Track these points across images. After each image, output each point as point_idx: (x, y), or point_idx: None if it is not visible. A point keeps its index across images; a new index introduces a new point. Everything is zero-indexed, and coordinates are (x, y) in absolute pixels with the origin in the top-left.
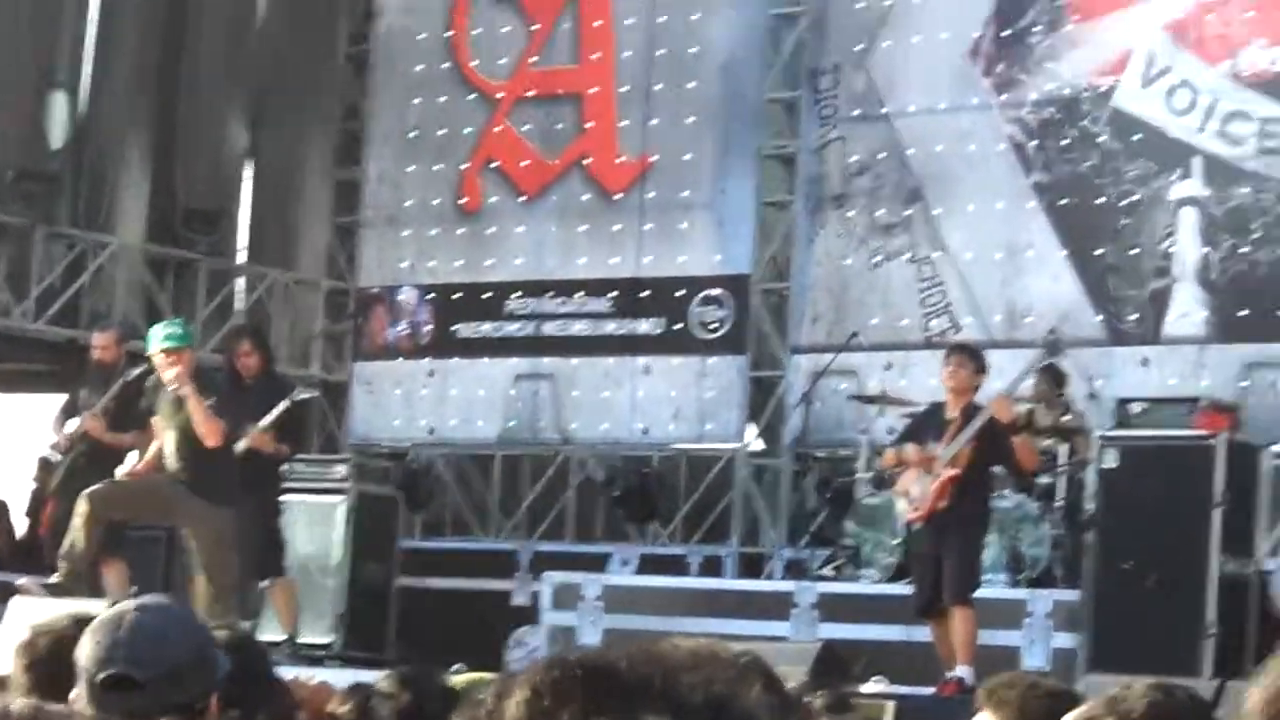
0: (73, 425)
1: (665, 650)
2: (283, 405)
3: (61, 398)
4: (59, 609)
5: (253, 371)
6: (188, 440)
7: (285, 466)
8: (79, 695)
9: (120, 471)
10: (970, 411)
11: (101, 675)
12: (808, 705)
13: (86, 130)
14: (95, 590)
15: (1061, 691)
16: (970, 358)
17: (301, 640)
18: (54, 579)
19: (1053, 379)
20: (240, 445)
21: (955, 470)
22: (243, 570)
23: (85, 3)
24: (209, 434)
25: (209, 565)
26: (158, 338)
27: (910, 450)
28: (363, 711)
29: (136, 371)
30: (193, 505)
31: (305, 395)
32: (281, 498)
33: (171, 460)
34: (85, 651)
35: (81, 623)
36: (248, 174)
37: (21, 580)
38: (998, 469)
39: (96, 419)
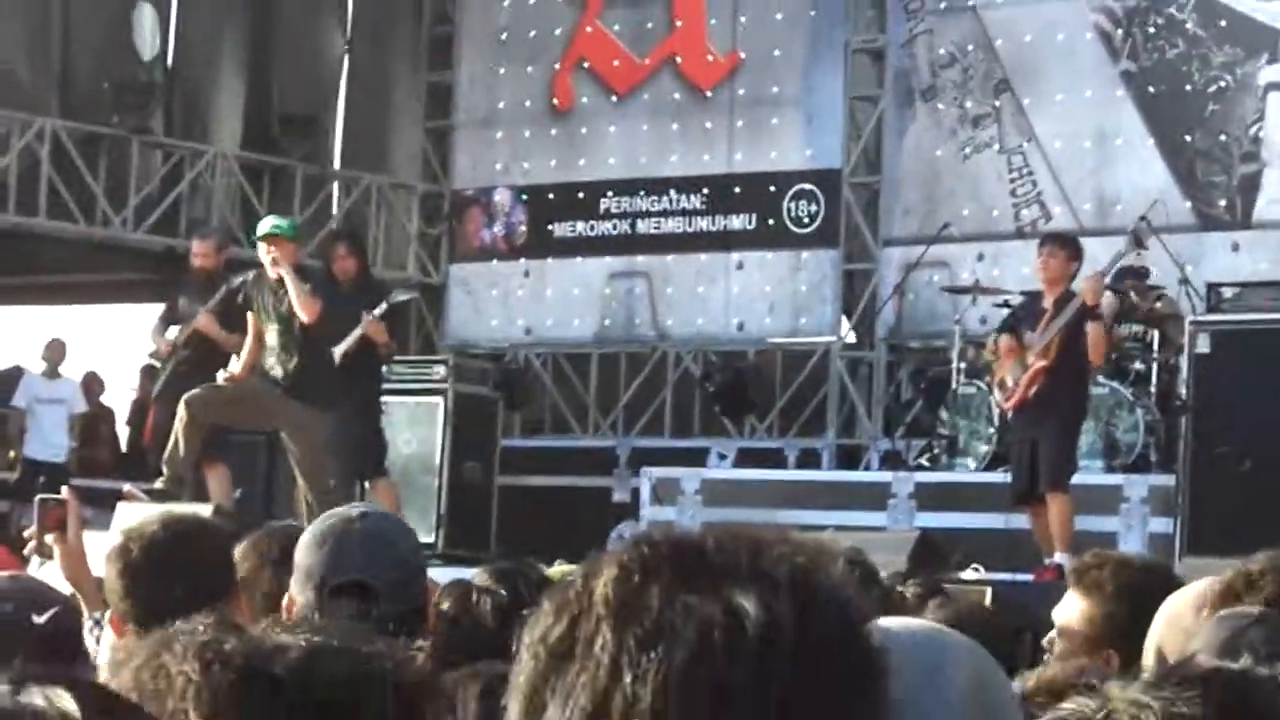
0: (173, 333)
1: (752, 531)
2: (389, 301)
3: (160, 306)
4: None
5: (350, 275)
6: (289, 335)
7: (385, 368)
8: (302, 602)
9: (220, 376)
10: (1064, 300)
11: (336, 581)
12: (900, 592)
13: (179, 41)
14: (199, 495)
15: (1154, 566)
16: (1061, 246)
17: None
18: (157, 484)
19: (1135, 273)
20: (352, 336)
21: (1044, 361)
22: (346, 470)
23: None
24: (307, 310)
25: (307, 469)
26: (265, 225)
27: (1005, 340)
28: (464, 607)
29: (238, 279)
30: (290, 409)
31: (405, 296)
32: (382, 398)
33: (272, 358)
34: (313, 559)
35: (169, 525)
36: (341, 80)
37: (127, 487)
38: None
39: (210, 316)
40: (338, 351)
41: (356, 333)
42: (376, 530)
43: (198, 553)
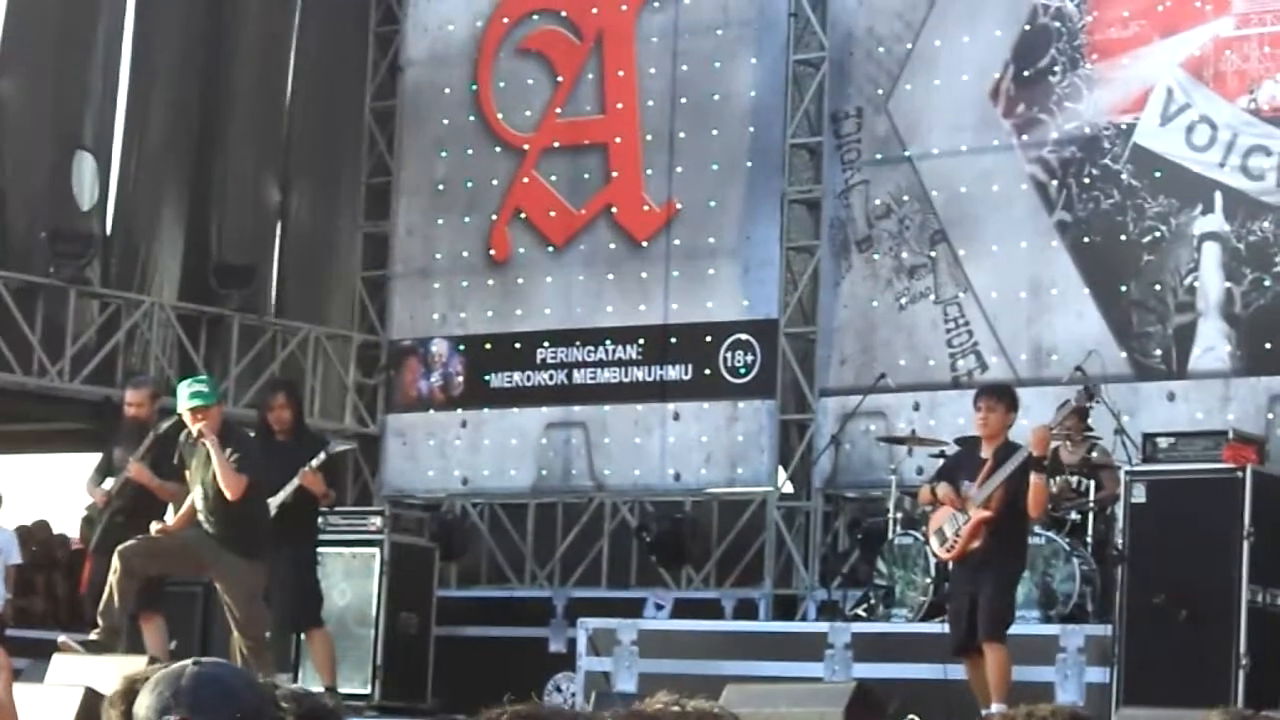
0: (109, 483)
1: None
2: (328, 451)
3: (97, 457)
4: (102, 665)
5: (286, 425)
6: (217, 494)
7: (321, 519)
8: None
9: (154, 528)
10: (1003, 452)
11: None
12: None
13: (119, 191)
14: (135, 646)
15: (1085, 718)
16: (999, 399)
17: (340, 691)
18: (92, 636)
19: (1078, 415)
20: (289, 488)
21: (988, 512)
22: (282, 620)
23: (113, 65)
24: (230, 487)
25: (241, 620)
26: (184, 396)
27: (944, 489)
28: None
29: (166, 425)
30: (223, 559)
31: (343, 448)
32: (319, 549)
33: (202, 514)
34: (144, 703)
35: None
36: (278, 230)
37: (62, 638)
38: None
39: (141, 465)
40: (274, 502)
41: (293, 484)
42: (208, 674)
43: None
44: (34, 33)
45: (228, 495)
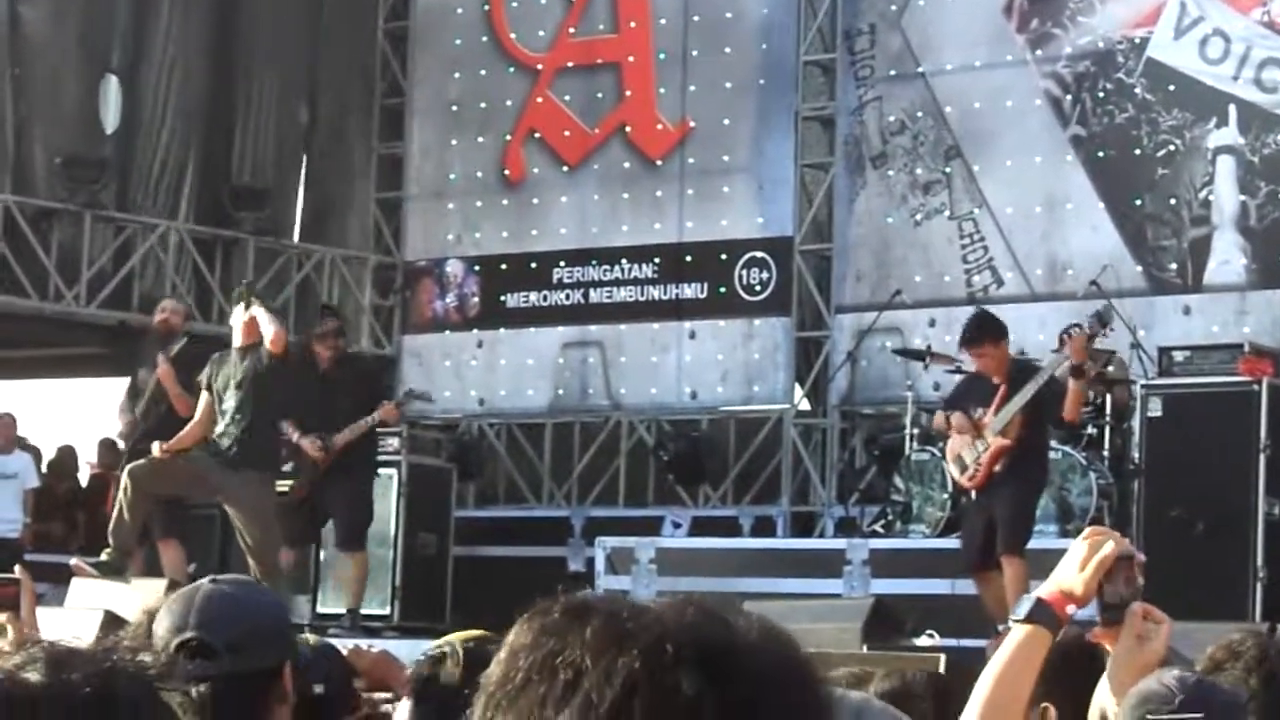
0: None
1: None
2: (411, 396)
3: (112, 381)
4: (122, 590)
5: (339, 355)
6: (246, 398)
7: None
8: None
9: (156, 448)
10: (1014, 375)
11: (176, 641)
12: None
13: (137, 115)
14: (154, 570)
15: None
16: (988, 340)
17: (361, 612)
18: (103, 556)
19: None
20: (370, 419)
21: (1007, 440)
22: (335, 538)
23: None
24: (276, 338)
25: (253, 543)
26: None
27: (958, 418)
28: (433, 672)
29: (178, 346)
30: (231, 481)
31: (422, 400)
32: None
33: (224, 423)
34: (161, 622)
35: None
36: (294, 153)
37: (73, 560)
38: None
39: (169, 366)
40: (339, 439)
41: (374, 417)
42: (222, 591)
43: None
44: None
45: (268, 337)
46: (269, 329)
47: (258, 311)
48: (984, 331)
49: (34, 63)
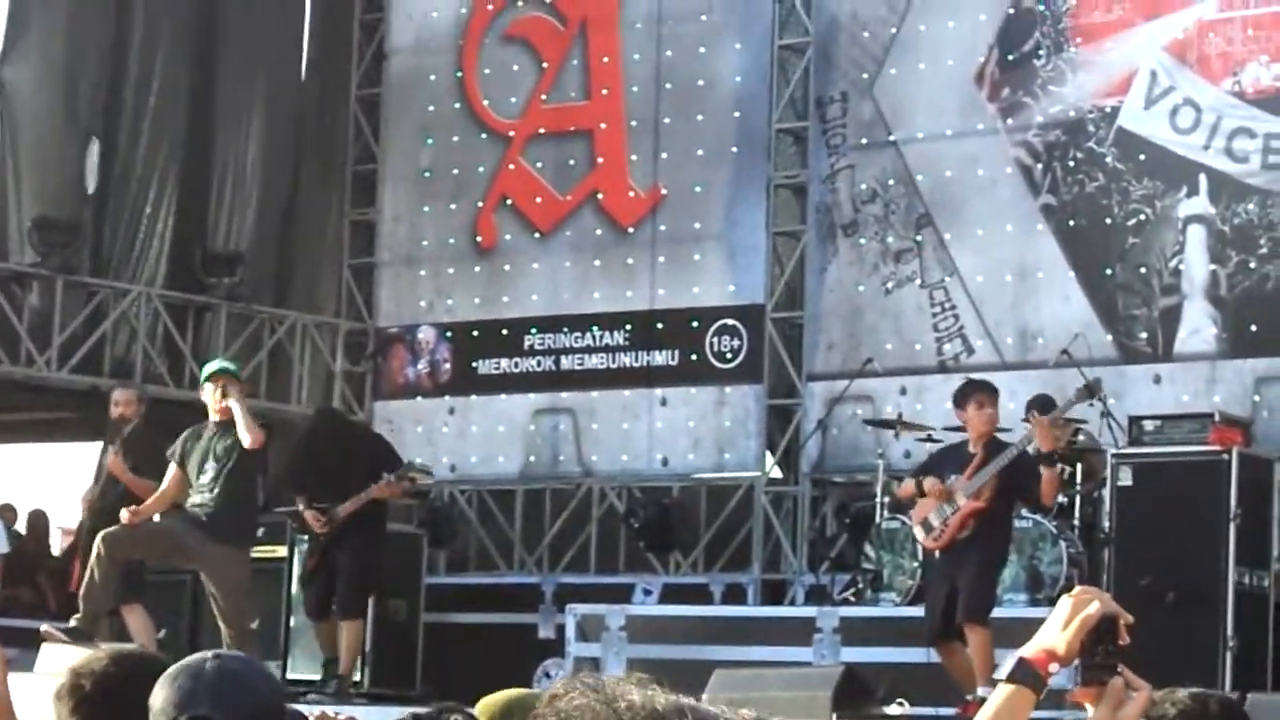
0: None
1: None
2: (409, 472)
3: (88, 446)
4: (86, 651)
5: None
6: (229, 469)
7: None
8: None
9: (124, 514)
10: (992, 446)
11: (185, 718)
12: None
13: (112, 177)
14: (121, 636)
15: None
16: (991, 396)
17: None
18: (73, 622)
19: (1042, 409)
20: (365, 494)
21: (979, 503)
22: (337, 605)
23: (123, 52)
24: (252, 435)
25: (227, 609)
26: (216, 363)
27: (930, 482)
28: None
29: (129, 428)
30: (208, 548)
31: (426, 476)
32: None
33: (199, 495)
34: (164, 697)
35: (120, 661)
36: (266, 218)
37: (44, 626)
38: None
39: (117, 458)
40: (342, 510)
41: (368, 492)
42: (229, 669)
43: (149, 689)
44: (42, 19)
45: (247, 441)
46: (246, 435)
47: (234, 406)
48: (977, 385)
49: (16, 124)
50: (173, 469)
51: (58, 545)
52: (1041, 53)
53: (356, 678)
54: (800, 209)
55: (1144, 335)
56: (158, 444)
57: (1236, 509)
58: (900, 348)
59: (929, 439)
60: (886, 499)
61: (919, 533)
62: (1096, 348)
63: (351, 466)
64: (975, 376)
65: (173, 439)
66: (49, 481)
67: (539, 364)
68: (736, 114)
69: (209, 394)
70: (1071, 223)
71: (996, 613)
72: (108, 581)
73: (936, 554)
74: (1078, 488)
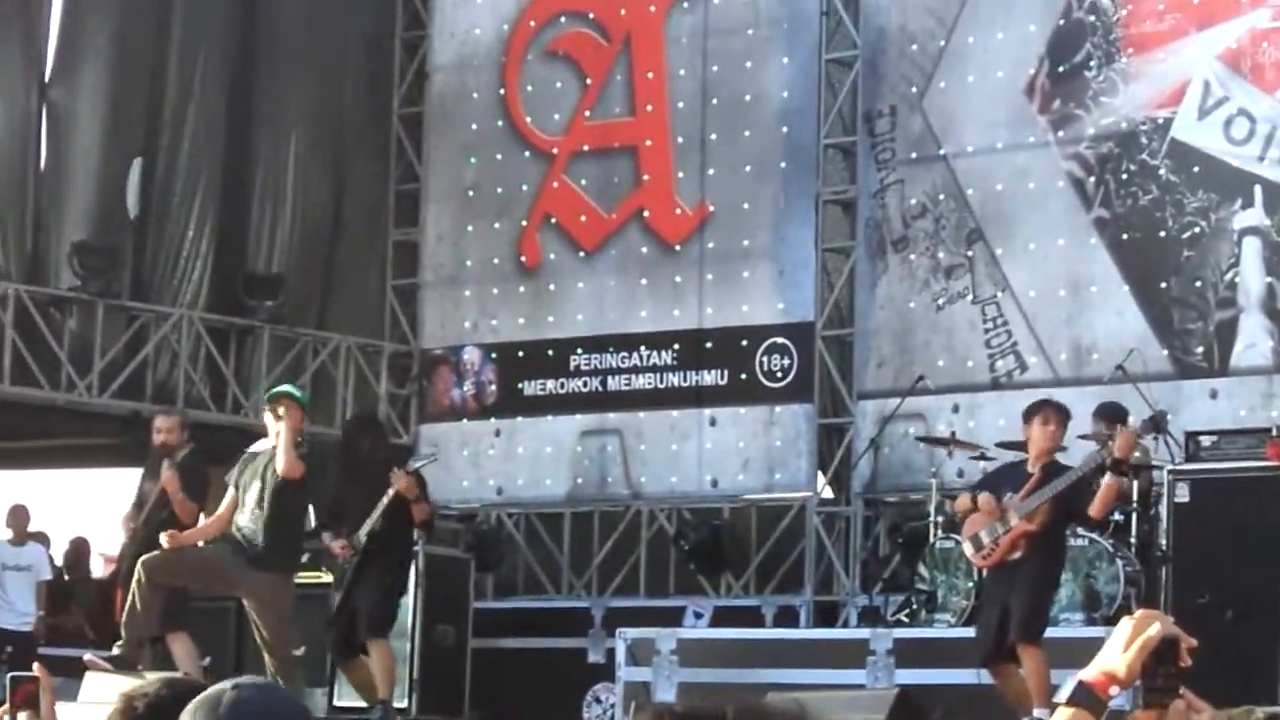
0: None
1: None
2: (413, 465)
3: (129, 471)
4: (131, 680)
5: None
6: (273, 494)
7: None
8: None
9: (164, 538)
10: (1051, 468)
11: None
12: None
13: (153, 200)
14: (165, 664)
15: None
16: (1060, 415)
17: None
18: (116, 650)
19: (1112, 417)
20: (385, 499)
21: (1031, 526)
22: (357, 627)
23: (161, 74)
24: (291, 468)
25: (269, 637)
26: (281, 386)
27: (985, 498)
28: None
29: (183, 454)
30: (250, 576)
31: (425, 462)
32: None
33: (246, 520)
34: None
35: (172, 685)
36: (307, 239)
37: (88, 655)
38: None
39: (173, 473)
40: (363, 531)
41: (389, 493)
42: (246, 698)
43: None
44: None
45: (281, 470)
46: (280, 462)
47: (280, 430)
48: (1047, 403)
49: (64, 146)
50: (230, 494)
51: (99, 571)
52: (1092, 64)
53: (403, 704)
54: (850, 225)
55: (1200, 349)
56: (206, 471)
57: None
58: (952, 365)
59: (982, 457)
60: (940, 518)
61: (968, 549)
62: (1152, 363)
63: (368, 489)
64: (1046, 396)
65: (216, 465)
66: (90, 508)
67: (585, 384)
68: (784, 129)
69: (268, 417)
70: (1125, 236)
71: (1053, 633)
72: (149, 608)
73: (986, 573)
74: (1134, 504)
